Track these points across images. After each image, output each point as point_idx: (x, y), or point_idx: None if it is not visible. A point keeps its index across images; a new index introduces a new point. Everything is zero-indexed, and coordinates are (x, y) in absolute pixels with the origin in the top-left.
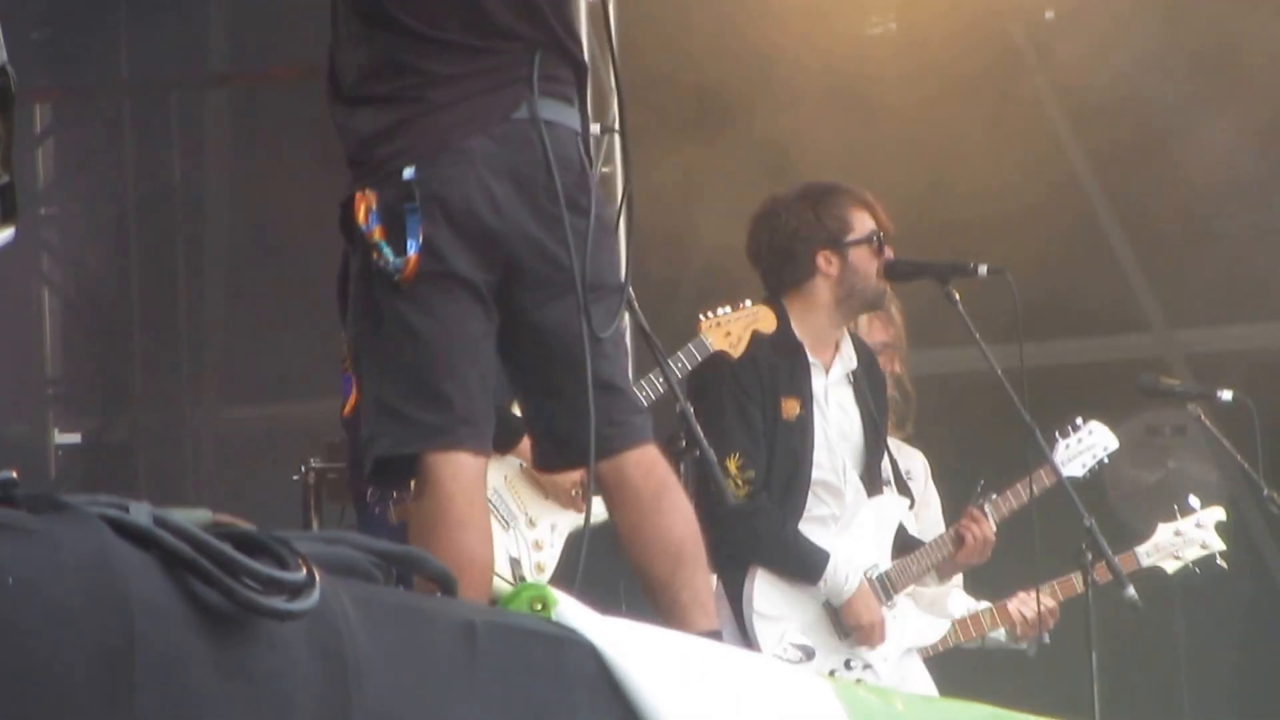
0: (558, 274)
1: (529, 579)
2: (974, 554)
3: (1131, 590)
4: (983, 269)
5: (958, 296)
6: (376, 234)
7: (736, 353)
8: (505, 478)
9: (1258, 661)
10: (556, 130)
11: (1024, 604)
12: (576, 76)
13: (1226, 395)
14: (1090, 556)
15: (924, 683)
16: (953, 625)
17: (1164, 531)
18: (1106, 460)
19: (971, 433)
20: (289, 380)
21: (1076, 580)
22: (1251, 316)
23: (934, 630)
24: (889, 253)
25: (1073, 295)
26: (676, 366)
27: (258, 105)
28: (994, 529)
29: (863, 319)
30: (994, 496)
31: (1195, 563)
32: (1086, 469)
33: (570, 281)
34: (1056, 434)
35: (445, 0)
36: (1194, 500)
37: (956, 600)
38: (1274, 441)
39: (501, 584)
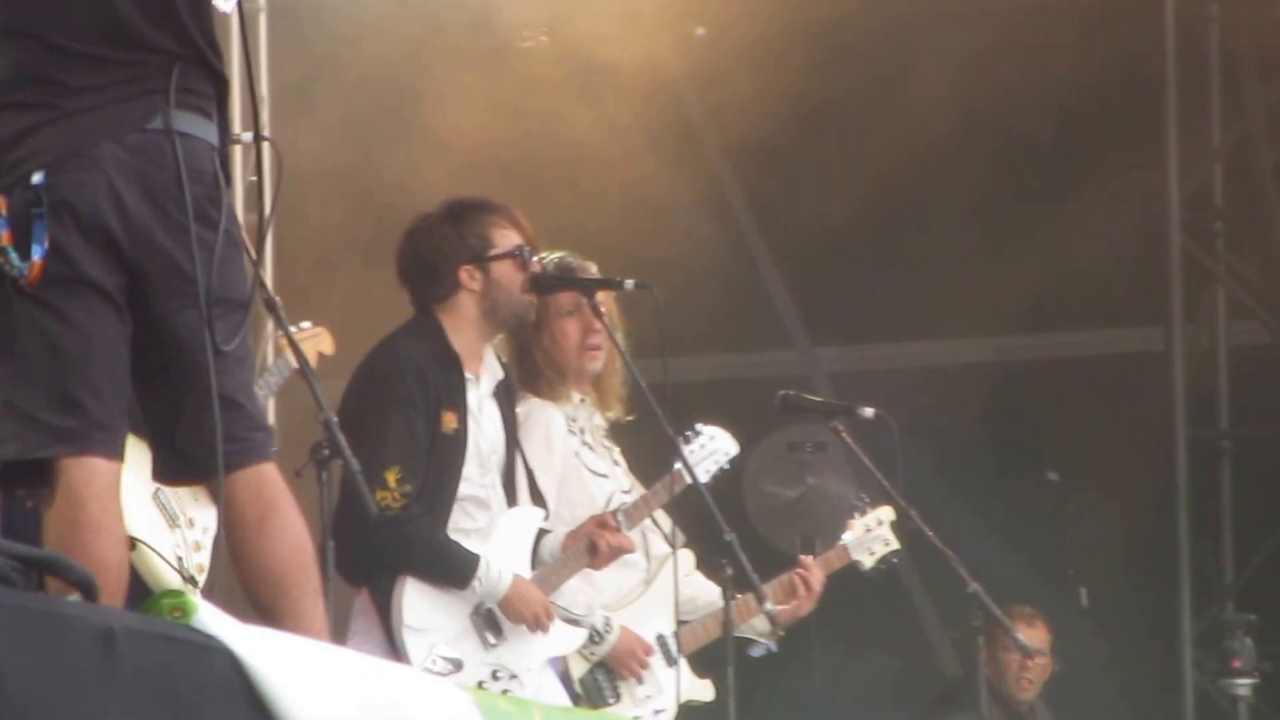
0: (184, 285)
1: (198, 579)
2: (606, 561)
3: (770, 605)
4: (629, 283)
5: (604, 310)
6: (4, 239)
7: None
8: None
9: (892, 678)
10: (191, 142)
11: (807, 572)
12: (217, 90)
13: (867, 412)
14: (731, 571)
15: (559, 694)
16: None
17: (858, 526)
18: (728, 466)
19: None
20: None
21: (840, 552)
22: (892, 336)
23: (572, 639)
24: (536, 267)
25: (718, 312)
26: (271, 381)
27: None
28: (630, 535)
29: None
30: (626, 504)
31: (880, 559)
32: (710, 475)
33: (196, 294)
34: (680, 440)
35: (86, 13)
36: (861, 499)
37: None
38: (912, 458)
39: (177, 579)
